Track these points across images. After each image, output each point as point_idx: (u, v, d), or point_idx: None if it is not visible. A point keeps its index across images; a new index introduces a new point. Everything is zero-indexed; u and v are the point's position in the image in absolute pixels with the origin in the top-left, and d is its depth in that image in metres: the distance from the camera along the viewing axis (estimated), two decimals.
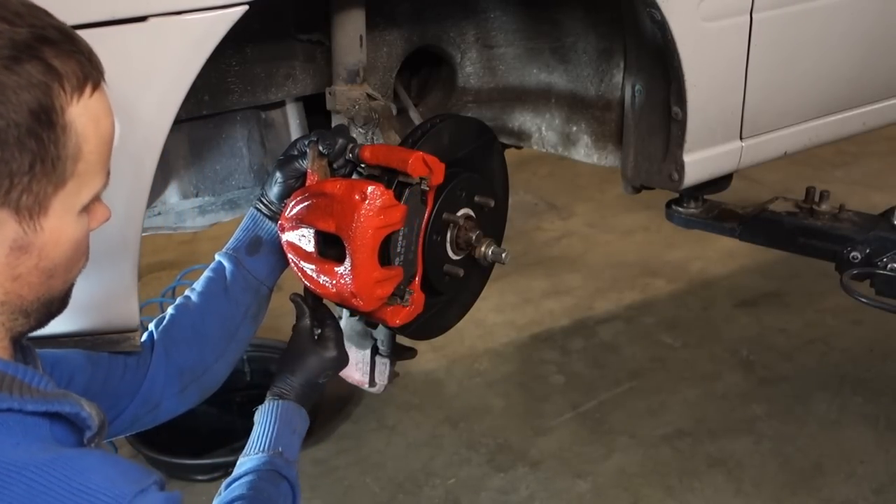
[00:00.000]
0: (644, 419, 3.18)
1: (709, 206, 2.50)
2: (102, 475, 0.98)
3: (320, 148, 1.52)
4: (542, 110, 2.25)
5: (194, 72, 1.32)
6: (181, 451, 2.91)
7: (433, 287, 1.61)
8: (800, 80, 2.13)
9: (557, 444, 3.08)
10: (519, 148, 2.38)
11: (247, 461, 1.35)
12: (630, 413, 3.21)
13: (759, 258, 4.10)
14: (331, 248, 1.47)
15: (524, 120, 2.28)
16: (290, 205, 1.49)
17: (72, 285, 1.13)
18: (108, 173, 1.09)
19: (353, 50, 1.72)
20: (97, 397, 1.16)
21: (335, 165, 1.54)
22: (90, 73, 1.03)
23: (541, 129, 2.27)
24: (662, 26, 1.77)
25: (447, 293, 1.67)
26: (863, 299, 2.17)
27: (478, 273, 1.75)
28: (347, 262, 1.43)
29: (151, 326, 1.52)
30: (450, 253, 1.62)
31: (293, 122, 1.89)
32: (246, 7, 1.33)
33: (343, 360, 1.54)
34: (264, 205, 1.57)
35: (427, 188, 1.50)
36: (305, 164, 1.54)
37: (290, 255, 1.50)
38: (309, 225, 1.47)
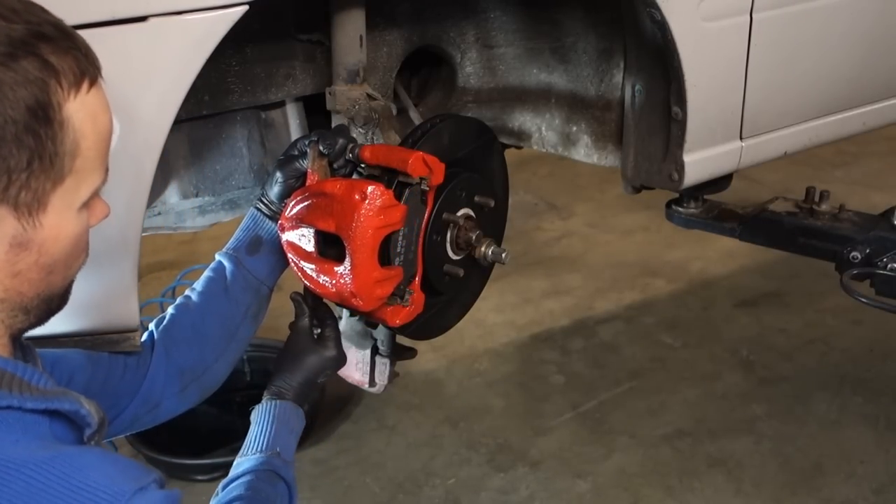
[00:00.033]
0: (644, 419, 3.18)
1: (709, 206, 2.50)
2: (102, 473, 0.98)
3: (321, 148, 1.52)
4: (542, 110, 2.25)
5: (194, 72, 1.32)
6: (181, 451, 2.91)
7: (433, 287, 1.61)
8: (800, 80, 2.13)
9: (557, 444, 3.08)
10: (519, 148, 2.38)
11: (244, 461, 1.35)
12: (630, 413, 3.21)
13: (759, 258, 4.10)
14: (331, 247, 1.47)
15: (524, 120, 2.28)
16: (291, 204, 1.49)
17: (71, 282, 1.13)
18: (106, 170, 1.09)
19: (353, 50, 1.72)
20: (97, 397, 1.16)
21: (335, 165, 1.54)
22: (87, 69, 1.03)
23: (541, 129, 2.27)
24: (662, 26, 1.77)
25: (447, 293, 1.67)
26: (863, 299, 2.17)
27: (478, 273, 1.75)
28: (347, 262, 1.43)
29: (152, 326, 1.52)
30: (450, 253, 1.62)
31: (293, 122, 1.89)
32: (246, 7, 1.33)
33: (342, 359, 1.55)
34: (264, 204, 1.57)
35: (427, 188, 1.50)
36: (306, 163, 1.54)
37: (289, 255, 1.50)
38: (309, 224, 1.47)
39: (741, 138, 2.07)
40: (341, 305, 1.57)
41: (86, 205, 1.07)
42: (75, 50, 1.02)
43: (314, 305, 1.55)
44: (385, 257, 1.48)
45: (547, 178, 5.22)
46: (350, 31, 1.71)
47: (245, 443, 1.39)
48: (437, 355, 3.55)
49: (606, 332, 3.74)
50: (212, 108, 1.74)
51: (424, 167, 1.48)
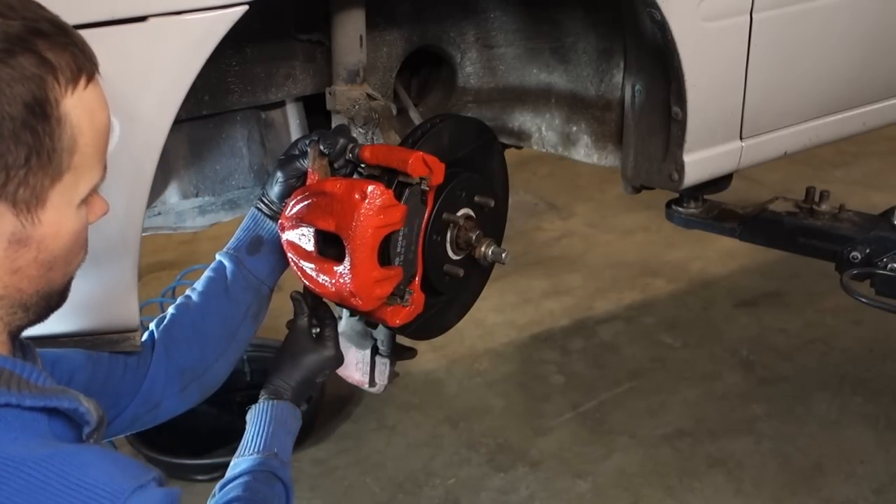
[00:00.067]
0: (644, 419, 3.18)
1: (709, 206, 2.50)
2: (101, 470, 0.98)
3: (321, 147, 1.52)
4: (542, 110, 2.25)
5: (194, 72, 1.32)
6: (181, 451, 2.91)
7: (433, 287, 1.61)
8: (800, 80, 2.13)
9: (557, 444, 3.08)
10: (519, 148, 2.38)
11: (241, 462, 1.35)
12: (630, 413, 3.21)
13: (759, 258, 4.10)
14: (331, 247, 1.47)
15: (524, 120, 2.28)
16: (291, 204, 1.49)
17: (71, 279, 1.13)
18: (104, 166, 1.09)
19: (353, 50, 1.72)
20: (97, 396, 1.16)
21: (336, 165, 1.54)
22: (84, 65, 1.03)
23: (541, 129, 2.27)
24: (662, 26, 1.77)
25: (447, 293, 1.67)
26: (863, 299, 2.17)
27: (478, 273, 1.75)
28: (347, 262, 1.43)
29: (152, 326, 1.52)
30: (450, 253, 1.62)
31: (293, 122, 1.89)
32: (246, 7, 1.33)
33: (340, 359, 1.55)
34: (265, 204, 1.57)
35: (427, 188, 1.50)
36: (306, 163, 1.54)
37: (289, 254, 1.50)
38: (309, 224, 1.47)
39: (741, 138, 2.07)
40: (341, 305, 1.57)
41: (84, 201, 1.07)
42: (72, 46, 1.02)
43: (314, 305, 1.55)
44: (385, 257, 1.48)
45: (547, 178, 5.22)
46: (350, 31, 1.71)
47: (242, 443, 1.39)
48: (437, 355, 3.55)
49: (606, 332, 3.74)
50: (212, 108, 1.74)
51: (424, 167, 1.48)
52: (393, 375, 1.78)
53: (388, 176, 1.50)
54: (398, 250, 1.50)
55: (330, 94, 1.76)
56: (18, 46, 0.96)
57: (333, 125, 1.77)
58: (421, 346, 1.82)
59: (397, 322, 1.55)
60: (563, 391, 3.37)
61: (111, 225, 1.30)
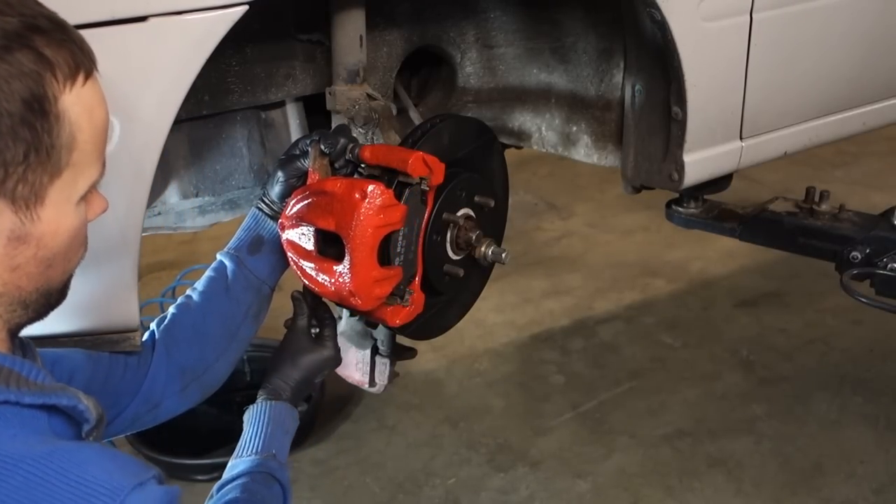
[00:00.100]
0: (644, 419, 3.18)
1: (709, 206, 2.50)
2: (100, 468, 0.98)
3: (322, 147, 1.52)
4: (542, 110, 2.25)
5: (194, 72, 1.32)
6: (181, 451, 2.91)
7: (433, 287, 1.61)
8: (800, 80, 2.13)
9: (557, 444, 3.08)
10: (519, 148, 2.38)
11: (239, 463, 1.35)
12: (630, 413, 3.21)
13: (759, 258, 4.10)
14: (330, 246, 1.47)
15: (524, 120, 2.28)
16: (291, 203, 1.49)
17: (70, 276, 1.13)
18: (103, 163, 1.09)
19: (353, 50, 1.72)
20: (98, 396, 1.15)
21: (336, 165, 1.54)
22: (82, 61, 1.03)
23: (541, 129, 2.27)
24: (662, 26, 1.77)
25: (447, 293, 1.67)
26: (863, 299, 2.17)
27: (478, 273, 1.75)
28: (346, 261, 1.43)
29: (153, 326, 1.52)
30: (450, 253, 1.62)
31: (293, 122, 1.89)
32: (246, 7, 1.33)
33: (339, 360, 1.55)
34: (266, 204, 1.57)
35: (427, 188, 1.50)
36: (307, 163, 1.54)
37: (289, 254, 1.50)
38: (309, 223, 1.47)
39: (741, 138, 2.07)
40: (340, 305, 1.57)
41: (84, 198, 1.07)
42: (70, 42, 1.02)
43: (313, 305, 1.55)
44: (385, 257, 1.48)
45: (547, 178, 5.22)
46: (350, 31, 1.71)
47: (239, 444, 1.39)
48: (437, 355, 3.55)
49: (606, 332, 3.74)
50: (212, 108, 1.74)
51: (424, 167, 1.48)
52: (393, 375, 1.78)
53: (388, 176, 1.50)
54: (398, 250, 1.50)
55: (330, 94, 1.76)
56: (16, 43, 0.96)
57: (333, 125, 1.77)
58: (421, 346, 1.82)
59: (397, 322, 1.55)
60: (563, 391, 3.37)
61: (111, 225, 1.30)
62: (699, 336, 3.67)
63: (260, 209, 1.57)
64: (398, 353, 1.78)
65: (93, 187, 1.08)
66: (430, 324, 1.69)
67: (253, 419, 1.42)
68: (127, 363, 1.44)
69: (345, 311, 1.73)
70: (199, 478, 2.88)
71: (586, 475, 2.93)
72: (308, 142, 1.55)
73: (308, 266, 1.47)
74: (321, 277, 1.46)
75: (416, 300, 1.55)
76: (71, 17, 1.06)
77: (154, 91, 1.30)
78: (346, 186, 1.44)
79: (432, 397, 3.36)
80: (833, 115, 2.27)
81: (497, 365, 3.56)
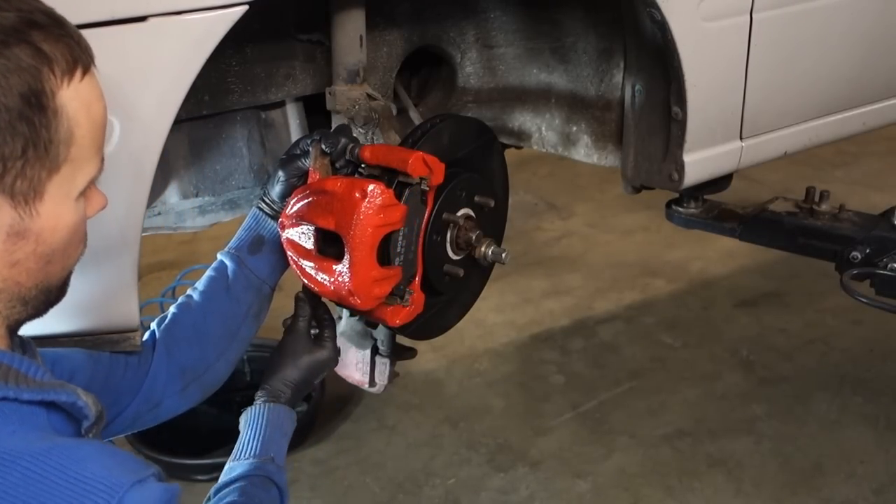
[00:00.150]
0: (644, 419, 3.18)
1: (709, 206, 2.50)
2: (100, 464, 0.98)
3: (323, 147, 1.52)
4: (542, 110, 2.25)
5: (194, 72, 1.32)
6: (181, 451, 2.91)
7: (433, 287, 1.61)
8: (800, 80, 2.13)
9: (557, 444, 3.08)
10: (519, 148, 2.38)
11: (237, 466, 1.34)
12: (630, 413, 3.21)
13: (759, 258, 4.10)
14: (330, 246, 1.47)
15: (524, 120, 2.28)
16: (291, 202, 1.49)
17: (69, 273, 1.13)
18: (102, 159, 1.09)
19: (353, 50, 1.72)
20: (98, 395, 1.15)
21: (337, 165, 1.54)
22: (80, 56, 1.03)
23: (541, 129, 2.27)
24: (662, 26, 1.77)
25: (447, 293, 1.67)
26: (863, 299, 2.17)
27: (478, 273, 1.75)
28: (346, 260, 1.43)
29: (153, 325, 1.52)
30: (450, 253, 1.62)
31: (293, 122, 1.89)
32: (246, 7, 1.33)
33: (337, 360, 1.55)
34: (266, 204, 1.57)
35: (427, 188, 1.50)
36: (308, 162, 1.54)
37: (289, 253, 1.50)
38: (309, 222, 1.47)
39: (741, 138, 2.07)
40: (340, 305, 1.57)
41: (83, 194, 1.07)
42: (67, 38, 1.02)
43: (313, 305, 1.55)
44: (385, 257, 1.48)
45: (547, 178, 5.22)
46: (350, 31, 1.71)
47: (237, 446, 1.38)
48: (437, 355, 3.55)
49: (606, 332, 3.74)
50: (212, 108, 1.74)
51: (424, 167, 1.48)
52: (393, 375, 1.78)
53: (389, 176, 1.50)
54: (398, 250, 1.50)
55: (330, 94, 1.76)
56: (13, 38, 0.97)
57: (333, 125, 1.77)
58: (421, 346, 1.82)
59: (397, 322, 1.55)
60: (563, 391, 3.37)
61: (111, 225, 1.30)
62: (699, 336, 3.67)
63: (260, 209, 1.57)
64: (398, 353, 1.78)
65: (91, 183, 1.08)
66: (430, 324, 1.69)
67: (251, 422, 1.41)
68: (127, 363, 1.44)
69: (345, 311, 1.73)
70: (199, 478, 2.88)
71: (586, 475, 2.93)
72: (309, 141, 1.55)
73: (308, 265, 1.47)
74: (321, 277, 1.46)
75: (416, 300, 1.55)
76: (71, 17, 1.06)
77: (154, 91, 1.30)
78: (346, 186, 1.44)
79: (432, 397, 3.36)
80: (833, 115, 2.27)
81: (497, 365, 3.56)
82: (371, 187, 1.42)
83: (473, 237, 1.62)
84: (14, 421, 1.00)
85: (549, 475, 2.94)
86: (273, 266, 1.57)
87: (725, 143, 2.04)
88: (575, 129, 2.22)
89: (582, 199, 4.99)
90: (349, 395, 3.31)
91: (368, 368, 1.77)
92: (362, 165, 1.54)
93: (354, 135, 1.68)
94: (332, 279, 1.44)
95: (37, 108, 0.98)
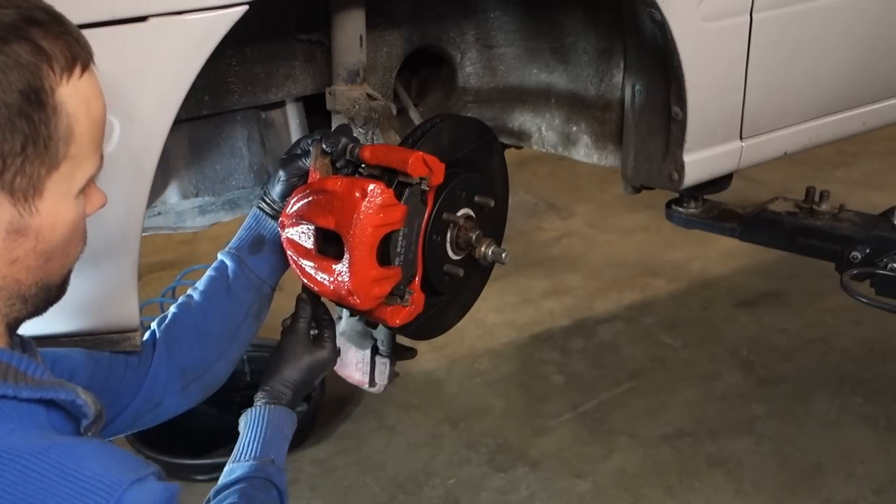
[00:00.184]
0: (644, 419, 3.18)
1: (709, 206, 2.50)
2: (99, 463, 0.97)
3: (324, 146, 1.52)
4: (542, 110, 2.25)
5: (194, 72, 1.32)
6: (181, 451, 2.91)
7: (433, 287, 1.61)
8: (800, 80, 2.13)
9: (557, 444, 3.08)
10: (519, 148, 2.38)
11: (237, 468, 1.34)
12: (630, 413, 3.21)
13: (759, 258, 4.10)
14: (330, 245, 1.47)
15: (524, 120, 2.28)
16: (292, 202, 1.49)
17: (69, 271, 1.13)
18: (101, 157, 1.09)
19: (353, 50, 1.72)
20: (98, 395, 1.15)
21: (338, 165, 1.54)
22: (79, 54, 1.03)
23: (541, 129, 2.27)
24: (662, 26, 1.77)
25: (447, 293, 1.67)
26: (863, 299, 2.17)
27: (478, 273, 1.75)
28: (345, 260, 1.43)
29: (154, 325, 1.52)
30: (450, 253, 1.62)
31: (293, 122, 1.89)
32: (246, 7, 1.33)
33: (336, 359, 1.55)
34: (267, 204, 1.57)
35: (427, 188, 1.50)
36: (308, 162, 1.54)
37: (289, 252, 1.50)
38: (309, 221, 1.47)
39: (741, 138, 2.07)
40: (340, 304, 1.57)
41: (82, 192, 1.07)
42: (66, 35, 1.02)
43: (313, 305, 1.55)
44: (385, 257, 1.48)
45: (547, 178, 5.22)
46: (350, 31, 1.71)
47: (237, 448, 1.38)
48: (437, 355, 3.55)
49: (606, 332, 3.74)
50: (212, 108, 1.74)
51: (424, 167, 1.48)
52: (393, 375, 1.78)
53: (389, 176, 1.50)
54: (398, 250, 1.50)
55: (330, 94, 1.76)
56: (13, 34, 0.97)
57: (333, 125, 1.77)
58: (421, 346, 1.82)
59: (397, 322, 1.55)
60: (563, 391, 3.37)
61: (111, 225, 1.30)
62: (699, 336, 3.67)
63: (261, 209, 1.58)
64: (398, 353, 1.78)
65: (91, 181, 1.08)
66: (430, 324, 1.69)
67: (251, 423, 1.41)
68: (128, 362, 1.44)
69: (345, 311, 1.73)
70: (199, 478, 2.88)
71: (586, 475, 2.93)
72: (310, 141, 1.55)
73: (307, 265, 1.48)
74: (320, 276, 1.46)
75: (416, 300, 1.55)
76: (71, 16, 1.06)
77: (154, 91, 1.30)
78: (346, 185, 1.44)
79: (432, 397, 3.36)
80: (833, 115, 2.27)
81: (497, 365, 3.56)
82: (371, 187, 1.42)
83: (473, 237, 1.62)
84: (13, 419, 0.99)
85: (549, 475, 2.94)
86: (273, 266, 1.57)
87: (725, 143, 2.04)
88: (575, 129, 2.22)
89: (582, 199, 4.99)
90: (349, 395, 3.31)
91: (368, 368, 1.77)
92: (362, 165, 1.54)
93: (354, 135, 1.68)
94: (332, 279, 1.44)
95: (36, 104, 0.98)
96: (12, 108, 0.97)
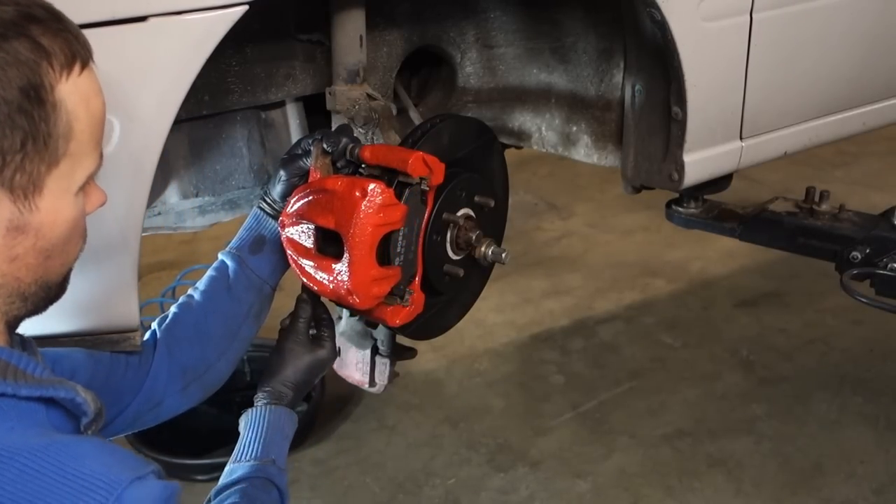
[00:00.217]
0: (644, 419, 3.18)
1: (709, 206, 2.50)
2: (98, 461, 0.97)
3: (324, 146, 1.52)
4: (542, 110, 2.25)
5: (194, 72, 1.32)
6: (181, 451, 2.91)
7: (433, 287, 1.61)
8: (800, 80, 2.13)
9: (557, 444, 3.08)
10: (519, 148, 2.38)
11: (238, 468, 1.34)
12: (630, 413, 3.21)
13: (759, 258, 4.10)
14: (330, 245, 1.47)
15: (524, 120, 2.28)
16: (292, 201, 1.49)
17: (69, 270, 1.13)
18: (101, 154, 1.09)
19: (353, 50, 1.72)
20: (99, 394, 1.15)
21: (338, 164, 1.54)
22: (78, 51, 1.03)
23: (541, 129, 2.27)
24: (662, 26, 1.77)
25: (447, 293, 1.67)
26: (863, 299, 2.17)
27: (478, 273, 1.75)
28: (345, 259, 1.43)
29: (154, 325, 1.52)
30: (450, 253, 1.62)
31: (293, 122, 1.89)
32: (246, 7, 1.33)
33: (335, 358, 1.55)
34: (268, 204, 1.57)
35: (427, 188, 1.50)
36: (309, 162, 1.54)
37: (289, 252, 1.50)
38: (309, 221, 1.47)
39: (741, 138, 2.07)
40: (340, 304, 1.57)
41: (82, 189, 1.07)
42: (66, 32, 1.02)
43: (312, 305, 1.55)
44: (385, 257, 1.48)
45: (547, 178, 5.22)
46: (350, 31, 1.71)
47: (237, 448, 1.38)
48: (437, 355, 3.55)
49: (606, 332, 3.74)
50: (212, 108, 1.74)
51: (424, 167, 1.48)
52: (393, 375, 1.78)
53: (389, 176, 1.50)
54: (398, 250, 1.50)
55: (330, 94, 1.76)
56: (12, 31, 0.97)
57: (333, 125, 1.77)
58: (421, 346, 1.82)
59: (397, 322, 1.55)
60: (563, 391, 3.37)
61: (111, 225, 1.30)
62: (699, 336, 3.67)
63: (262, 209, 1.58)
64: (398, 353, 1.78)
65: (90, 178, 1.09)
66: (430, 324, 1.69)
67: (251, 423, 1.41)
68: (128, 362, 1.44)
69: (345, 310, 1.73)
70: (199, 478, 2.88)
71: (586, 475, 2.93)
72: (310, 141, 1.55)
73: (307, 264, 1.48)
74: (320, 275, 1.46)
75: (416, 300, 1.55)
76: (72, 16, 1.06)
77: (154, 91, 1.30)
78: (346, 184, 1.44)
79: (432, 397, 3.36)
80: (833, 115, 2.27)
81: (497, 365, 3.56)
82: (371, 186, 1.42)
83: (473, 237, 1.62)
84: (12, 417, 0.99)
85: (549, 475, 2.94)
86: (274, 266, 1.57)
87: (725, 143, 2.04)
88: (575, 129, 2.22)
89: (582, 199, 4.99)
90: (349, 395, 3.31)
91: (368, 368, 1.77)
92: (363, 165, 1.54)
93: (354, 135, 1.68)
94: (332, 278, 1.44)
95: (35, 101, 0.98)
96: (12, 104, 0.97)
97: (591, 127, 2.19)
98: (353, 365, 1.78)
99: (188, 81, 1.32)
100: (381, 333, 1.74)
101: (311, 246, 1.48)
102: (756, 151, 2.11)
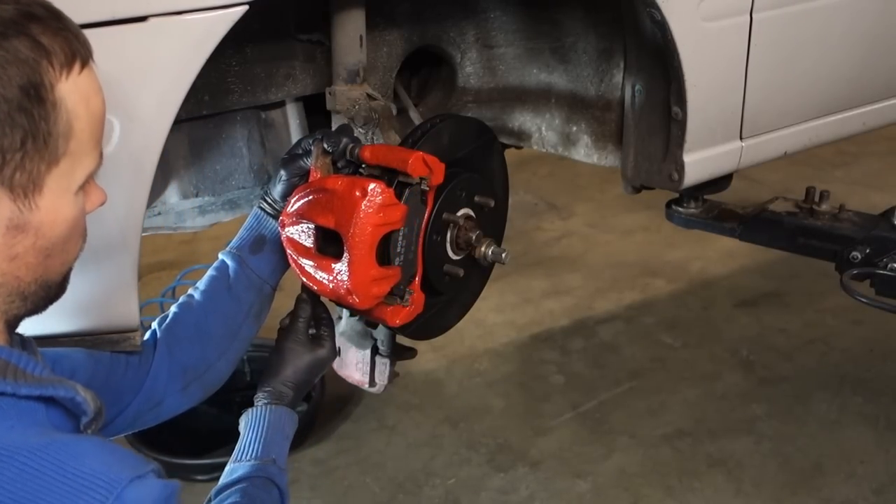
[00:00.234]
0: (644, 419, 3.18)
1: (709, 206, 2.50)
2: (98, 460, 0.97)
3: (325, 146, 1.52)
4: (542, 110, 2.25)
5: (194, 72, 1.32)
6: (181, 451, 2.91)
7: (433, 287, 1.61)
8: (800, 80, 2.13)
9: (557, 444, 3.08)
10: (519, 148, 2.38)
11: (238, 467, 1.34)
12: (630, 413, 3.21)
13: (759, 258, 4.10)
14: (330, 244, 1.47)
15: (524, 120, 2.28)
16: (292, 201, 1.49)
17: (69, 269, 1.13)
18: (101, 153, 1.09)
19: (353, 50, 1.73)
20: (99, 393, 1.15)
21: (339, 164, 1.54)
22: (78, 50, 1.03)
23: (541, 129, 2.27)
24: (662, 26, 1.77)
25: (447, 293, 1.67)
26: (863, 299, 2.17)
27: (478, 273, 1.75)
28: (345, 259, 1.43)
29: (154, 324, 1.52)
30: (450, 253, 1.62)
31: (293, 122, 1.89)
32: (246, 7, 1.33)
33: (335, 357, 1.55)
34: (268, 203, 1.57)
35: (427, 188, 1.50)
36: (309, 162, 1.54)
37: (289, 251, 1.50)
38: (309, 220, 1.47)
39: (741, 138, 2.07)
40: (339, 304, 1.57)
41: (82, 188, 1.07)
42: (66, 31, 1.02)
43: (312, 304, 1.55)
44: (385, 257, 1.48)
45: (547, 178, 5.22)
46: (350, 31, 1.71)
47: (238, 448, 1.38)
48: (437, 355, 3.55)
49: (606, 332, 3.74)
50: (212, 108, 1.74)
51: (424, 167, 1.48)
52: (393, 375, 1.78)
53: (389, 176, 1.50)
54: (398, 250, 1.50)
55: (330, 94, 1.76)
56: (12, 30, 0.97)
57: (333, 125, 1.77)
58: (421, 346, 1.82)
59: (397, 322, 1.55)
60: (563, 391, 3.37)
61: (111, 224, 1.30)
62: (699, 336, 3.67)
63: (262, 209, 1.58)
64: (398, 353, 1.78)
65: (90, 177, 1.09)
66: (430, 324, 1.69)
67: (252, 423, 1.41)
68: (128, 362, 1.44)
69: (345, 310, 1.73)
70: (199, 478, 2.88)
71: (586, 475, 2.93)
72: (311, 141, 1.55)
73: (307, 264, 1.48)
74: (319, 275, 1.46)
75: (416, 300, 1.55)
76: (72, 16, 1.06)
77: (154, 91, 1.30)
78: (346, 184, 1.44)
79: (432, 397, 3.36)
80: (833, 115, 2.27)
81: (497, 365, 3.56)
82: (371, 186, 1.42)
83: (473, 237, 1.62)
84: (12, 416, 0.99)
85: (549, 475, 2.94)
86: (274, 266, 1.58)
87: (725, 143, 2.04)
88: (575, 129, 2.22)
89: (582, 199, 4.99)
90: (349, 395, 3.31)
91: (368, 368, 1.77)
92: (363, 165, 1.54)
93: (355, 135, 1.68)
94: (331, 278, 1.44)
95: (35, 100, 0.98)
96: (12, 103, 0.97)
97: (591, 127, 2.19)
98: (353, 365, 1.78)
99: (188, 81, 1.32)
100: (381, 333, 1.74)
101: (311, 245, 1.48)
102: (756, 151, 2.11)
